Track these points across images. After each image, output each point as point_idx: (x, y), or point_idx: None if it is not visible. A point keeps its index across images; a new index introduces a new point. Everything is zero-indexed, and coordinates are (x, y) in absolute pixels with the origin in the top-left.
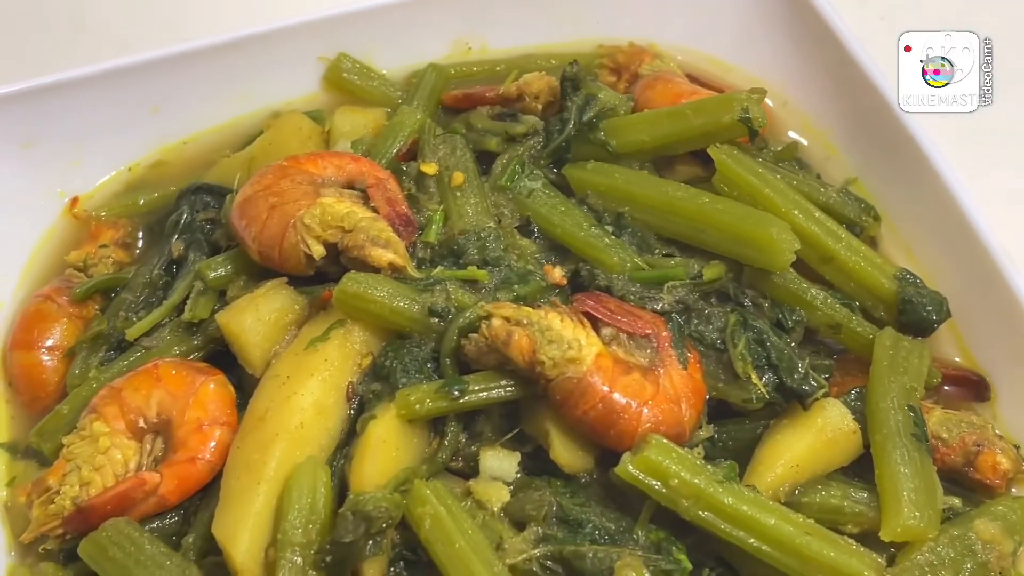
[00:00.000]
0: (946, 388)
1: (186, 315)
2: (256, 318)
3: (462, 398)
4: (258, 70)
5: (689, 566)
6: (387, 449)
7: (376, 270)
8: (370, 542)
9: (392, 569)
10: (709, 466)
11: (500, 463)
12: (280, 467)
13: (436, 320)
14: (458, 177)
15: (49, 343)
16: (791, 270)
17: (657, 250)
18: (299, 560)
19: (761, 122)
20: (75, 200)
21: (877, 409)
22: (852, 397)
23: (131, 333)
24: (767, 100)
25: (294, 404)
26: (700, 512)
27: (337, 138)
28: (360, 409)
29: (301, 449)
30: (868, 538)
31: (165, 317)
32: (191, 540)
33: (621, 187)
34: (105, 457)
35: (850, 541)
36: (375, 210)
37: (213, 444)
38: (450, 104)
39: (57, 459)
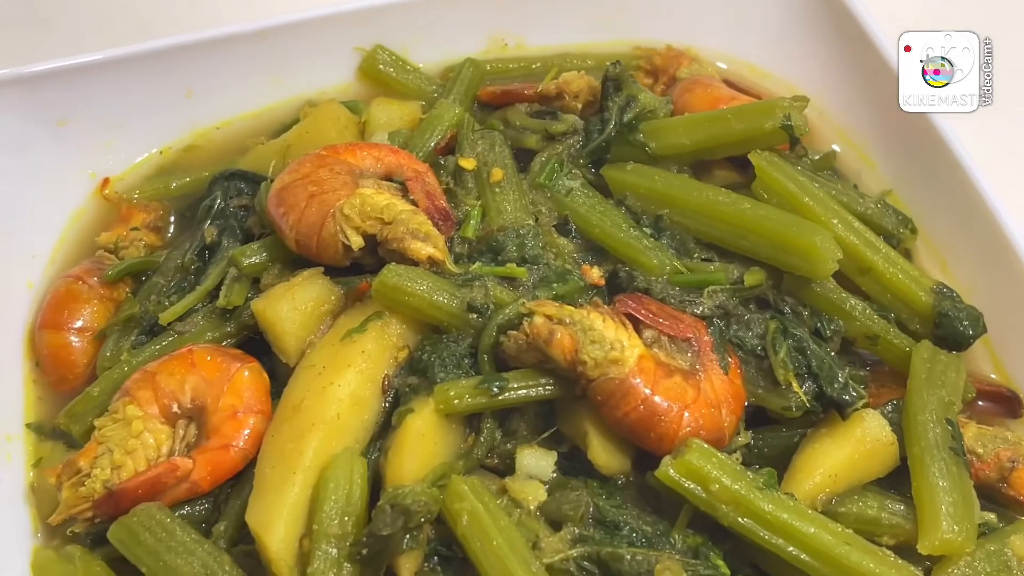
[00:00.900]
0: (980, 403)
1: (220, 301)
2: (292, 306)
3: (501, 395)
4: (294, 58)
5: (727, 572)
6: (425, 443)
7: (414, 263)
8: (407, 536)
9: (427, 565)
10: (749, 472)
11: (537, 461)
12: (316, 457)
13: (475, 316)
14: (497, 173)
15: (78, 324)
16: (831, 279)
17: (696, 254)
18: (335, 552)
19: (803, 130)
20: (106, 181)
21: (915, 421)
22: (889, 409)
23: (164, 317)
24: None
25: (331, 395)
26: (739, 518)
27: (374, 129)
28: (395, 403)
29: (337, 440)
30: (903, 551)
31: (198, 302)
32: (222, 528)
33: (661, 189)
34: (138, 441)
35: (888, 552)
36: (414, 203)
37: (247, 432)
38: (486, 100)
39: (87, 441)
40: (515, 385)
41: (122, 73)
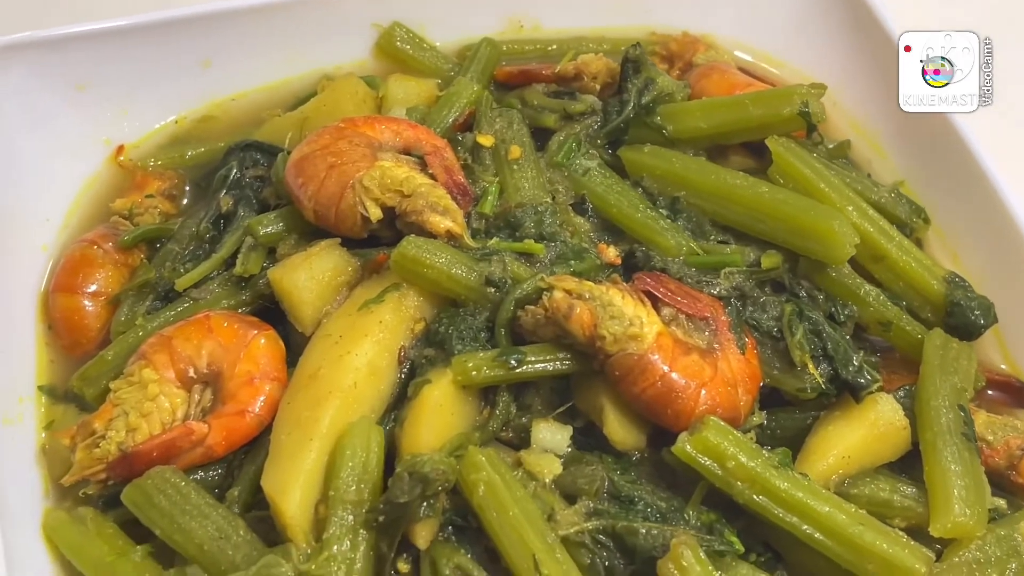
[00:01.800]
0: (989, 392)
1: (237, 269)
2: (309, 276)
3: (519, 368)
4: (311, 32)
5: (741, 548)
6: (442, 413)
7: (432, 236)
8: (424, 504)
9: (441, 534)
10: (764, 451)
11: (552, 435)
12: (333, 425)
13: (492, 290)
14: (515, 151)
15: (92, 288)
16: (847, 265)
17: (712, 236)
18: (351, 518)
19: (820, 117)
20: (121, 148)
21: (928, 407)
22: (901, 395)
23: (181, 283)
24: None
25: (348, 363)
26: (755, 496)
27: (391, 105)
28: (411, 374)
29: (354, 409)
30: (914, 533)
31: (214, 270)
32: (236, 493)
33: (678, 172)
34: (153, 404)
35: (901, 534)
36: (432, 177)
37: (263, 398)
38: (503, 80)
39: (99, 405)
40: (532, 359)
41: (141, 41)
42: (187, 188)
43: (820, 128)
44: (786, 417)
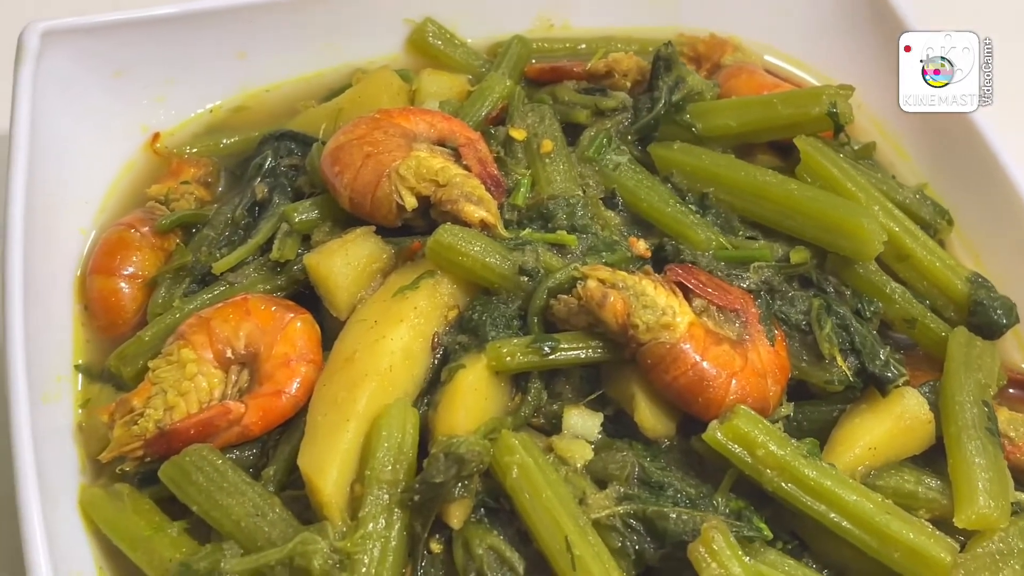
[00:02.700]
0: (1011, 391)
1: (274, 254)
2: (345, 262)
3: (552, 355)
4: (345, 26)
5: (770, 534)
6: (476, 398)
7: (466, 226)
8: (459, 484)
9: (474, 516)
10: (792, 441)
11: (584, 421)
12: (369, 406)
13: (525, 279)
14: (547, 144)
15: (129, 271)
16: (873, 262)
17: (741, 232)
18: (386, 497)
19: (848, 118)
20: (156, 136)
21: (952, 402)
22: (926, 390)
23: (218, 267)
24: None
25: (383, 347)
26: (783, 484)
27: (424, 98)
28: (444, 360)
29: (389, 391)
30: (938, 525)
31: (250, 255)
32: (271, 472)
33: (708, 168)
34: (191, 384)
35: (927, 524)
36: (466, 168)
37: (299, 380)
38: (533, 77)
39: (135, 385)
40: (565, 346)
41: (179, 30)
42: (221, 176)
43: (846, 129)
44: (813, 410)
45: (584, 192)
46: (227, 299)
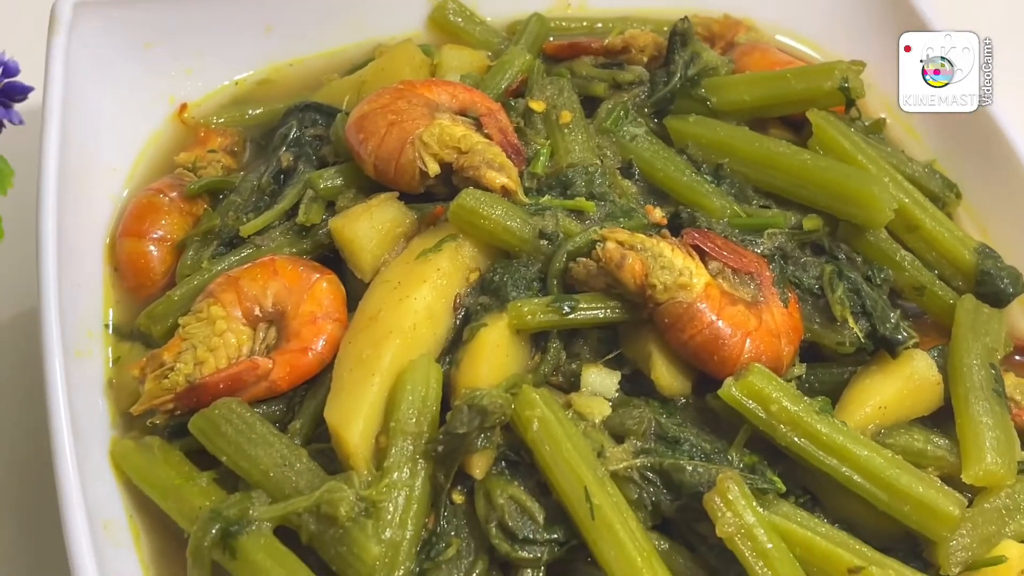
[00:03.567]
0: (1017, 358)
1: (300, 218)
2: (370, 225)
3: (571, 314)
4: (368, 2)
5: (782, 487)
6: (498, 354)
7: (487, 191)
8: (481, 436)
9: (494, 468)
10: (806, 398)
11: (602, 379)
12: (394, 362)
13: (545, 243)
14: (566, 115)
15: (158, 234)
16: (884, 230)
17: (755, 201)
18: (411, 448)
19: (859, 92)
20: (184, 106)
21: (961, 364)
22: (935, 354)
23: (245, 229)
24: None
25: (407, 306)
26: (796, 439)
27: (445, 72)
28: (465, 321)
29: (413, 348)
30: (945, 483)
31: (276, 219)
32: (297, 426)
33: (723, 140)
34: (220, 339)
35: (935, 479)
36: (488, 137)
37: (325, 337)
38: (552, 53)
39: (164, 343)
40: (584, 306)
41: (207, 3)
42: (247, 146)
43: (857, 104)
44: (824, 371)
45: (602, 162)
46: (254, 260)
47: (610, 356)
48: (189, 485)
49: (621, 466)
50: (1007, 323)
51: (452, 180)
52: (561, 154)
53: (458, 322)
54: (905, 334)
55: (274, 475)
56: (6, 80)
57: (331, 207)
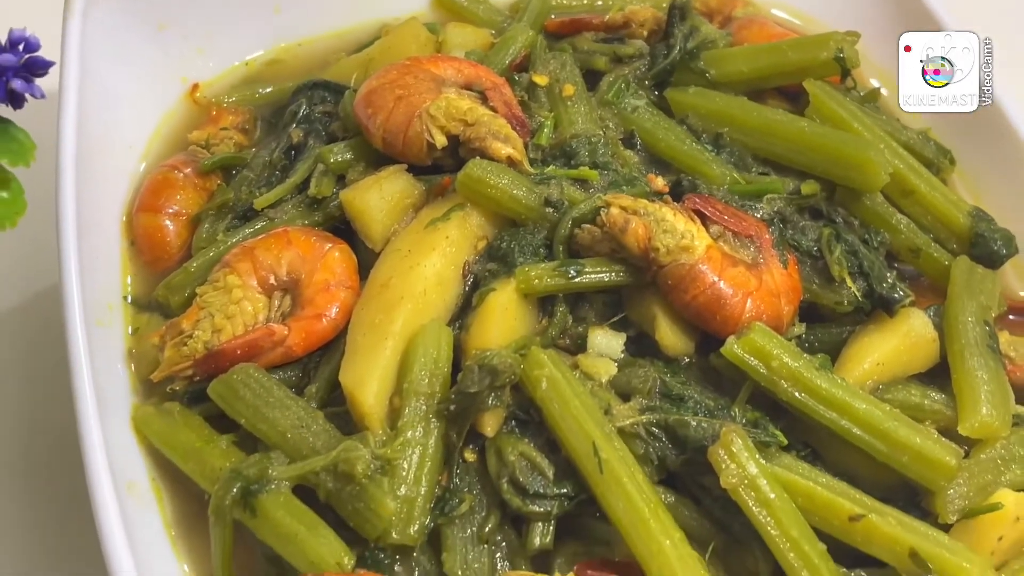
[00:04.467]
0: (1011, 318)
1: (312, 190)
2: (380, 196)
3: (577, 278)
4: None
5: (784, 440)
6: (507, 317)
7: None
8: (492, 395)
9: (505, 427)
10: (806, 355)
11: (608, 341)
12: (405, 327)
13: (551, 210)
14: (569, 89)
15: (173, 209)
16: (880, 194)
17: (754, 169)
18: (424, 407)
19: (854, 62)
20: (196, 86)
21: (956, 321)
22: (931, 312)
23: (259, 202)
24: None
25: (418, 273)
26: (796, 394)
27: (450, 49)
28: (474, 287)
29: (424, 313)
30: (944, 435)
31: (288, 193)
32: (313, 390)
33: (722, 109)
34: (237, 307)
35: (933, 431)
36: (493, 110)
37: (338, 304)
38: (553, 30)
39: (183, 311)
40: (590, 270)
41: None
42: (258, 124)
43: (853, 75)
44: (824, 331)
45: (604, 133)
46: (268, 232)
47: (615, 319)
48: (209, 447)
49: (627, 422)
50: (1000, 283)
51: (459, 152)
52: (564, 126)
53: (467, 289)
54: (901, 293)
55: (292, 436)
56: (27, 56)
57: (341, 181)
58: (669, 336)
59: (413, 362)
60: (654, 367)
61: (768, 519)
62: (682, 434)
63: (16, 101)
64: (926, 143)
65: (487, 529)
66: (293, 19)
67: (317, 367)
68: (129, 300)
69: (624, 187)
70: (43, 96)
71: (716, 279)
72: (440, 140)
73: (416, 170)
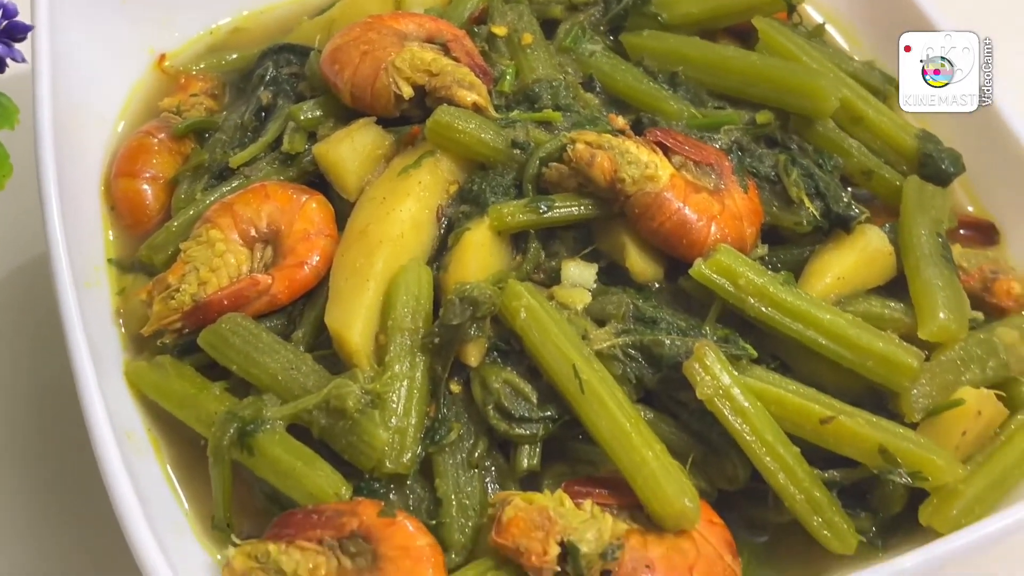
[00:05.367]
0: (962, 232)
1: (285, 146)
2: (352, 148)
3: (548, 213)
4: None
5: (754, 353)
6: (483, 253)
7: None
8: (474, 325)
9: (487, 358)
10: (770, 271)
11: (580, 272)
12: (386, 268)
13: (518, 151)
14: (527, 37)
15: (150, 173)
16: (831, 121)
17: (709, 104)
18: (409, 342)
19: None
20: (163, 56)
21: (910, 235)
22: (887, 229)
23: (235, 161)
24: None
25: (394, 217)
26: (763, 308)
27: (410, 7)
28: (448, 230)
29: (403, 255)
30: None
31: (262, 151)
32: (300, 334)
33: (676, 49)
34: (221, 260)
35: (894, 336)
36: (456, 60)
37: (318, 253)
38: None
39: (168, 269)
40: (559, 204)
41: None
42: (227, 89)
43: (798, 11)
44: (785, 252)
45: (564, 78)
46: (246, 188)
47: (586, 251)
48: (204, 394)
49: (605, 345)
50: (950, 200)
51: (425, 103)
52: (526, 72)
53: (442, 232)
54: (857, 210)
55: (283, 378)
56: (6, 21)
57: (312, 138)
58: (639, 263)
59: (396, 300)
60: (626, 294)
61: (743, 426)
62: (657, 353)
63: None
64: (871, 72)
65: (476, 455)
66: None
67: (302, 314)
68: (113, 263)
69: (587, 127)
70: (24, 60)
71: (681, 205)
72: (407, 91)
73: (385, 122)
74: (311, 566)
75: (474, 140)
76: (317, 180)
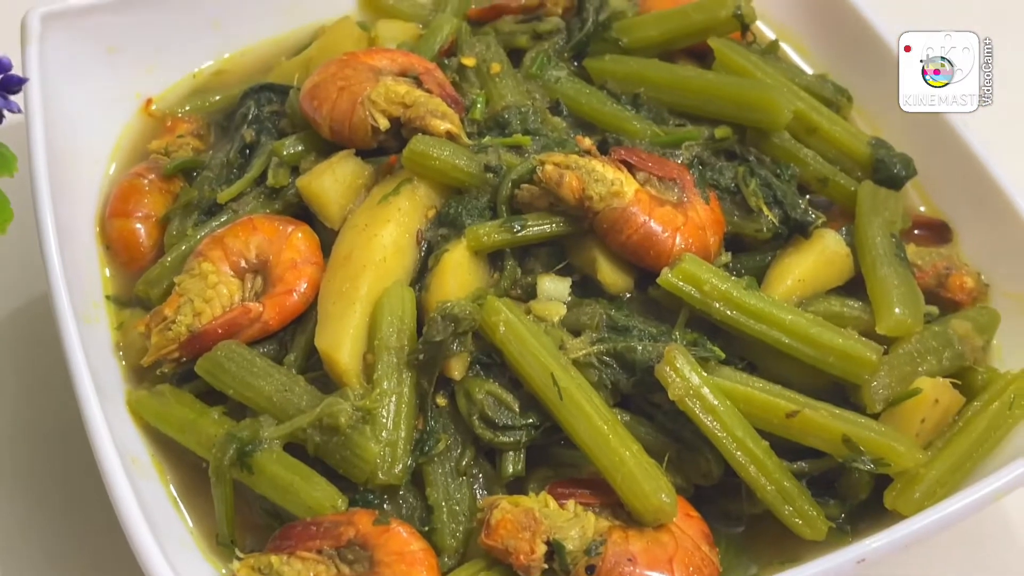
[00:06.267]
0: (916, 232)
1: (270, 181)
2: (333, 179)
3: (522, 231)
4: None
5: (722, 355)
6: (462, 272)
7: None
8: (456, 341)
9: (470, 371)
10: (734, 277)
11: (555, 286)
12: (371, 291)
13: (491, 175)
14: (496, 67)
15: (142, 212)
16: (786, 132)
17: (671, 122)
18: (395, 360)
19: (752, 17)
20: (149, 101)
21: (865, 236)
22: (843, 232)
23: (222, 196)
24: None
25: (376, 243)
26: (729, 312)
27: (382, 43)
28: (428, 252)
29: (385, 278)
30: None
31: (248, 186)
32: (292, 358)
33: (637, 72)
34: (214, 291)
35: (854, 332)
36: (428, 92)
37: (306, 280)
38: (475, 18)
39: (164, 302)
40: (532, 223)
41: (159, 7)
42: (212, 129)
43: (752, 30)
44: (748, 259)
45: (532, 103)
46: (235, 222)
47: (560, 266)
48: (203, 419)
49: (581, 354)
50: (904, 202)
51: (401, 133)
52: (495, 100)
53: (423, 255)
54: (814, 216)
55: (277, 400)
56: (2, 75)
57: (295, 171)
58: (610, 275)
59: (381, 321)
60: (599, 304)
61: (714, 424)
62: (630, 358)
63: None
64: (824, 84)
65: (464, 463)
66: (232, 31)
67: (293, 338)
68: (111, 299)
69: (556, 149)
70: (20, 111)
71: (646, 219)
72: (383, 123)
73: (364, 154)
74: (312, 574)
75: (449, 166)
76: (302, 211)
